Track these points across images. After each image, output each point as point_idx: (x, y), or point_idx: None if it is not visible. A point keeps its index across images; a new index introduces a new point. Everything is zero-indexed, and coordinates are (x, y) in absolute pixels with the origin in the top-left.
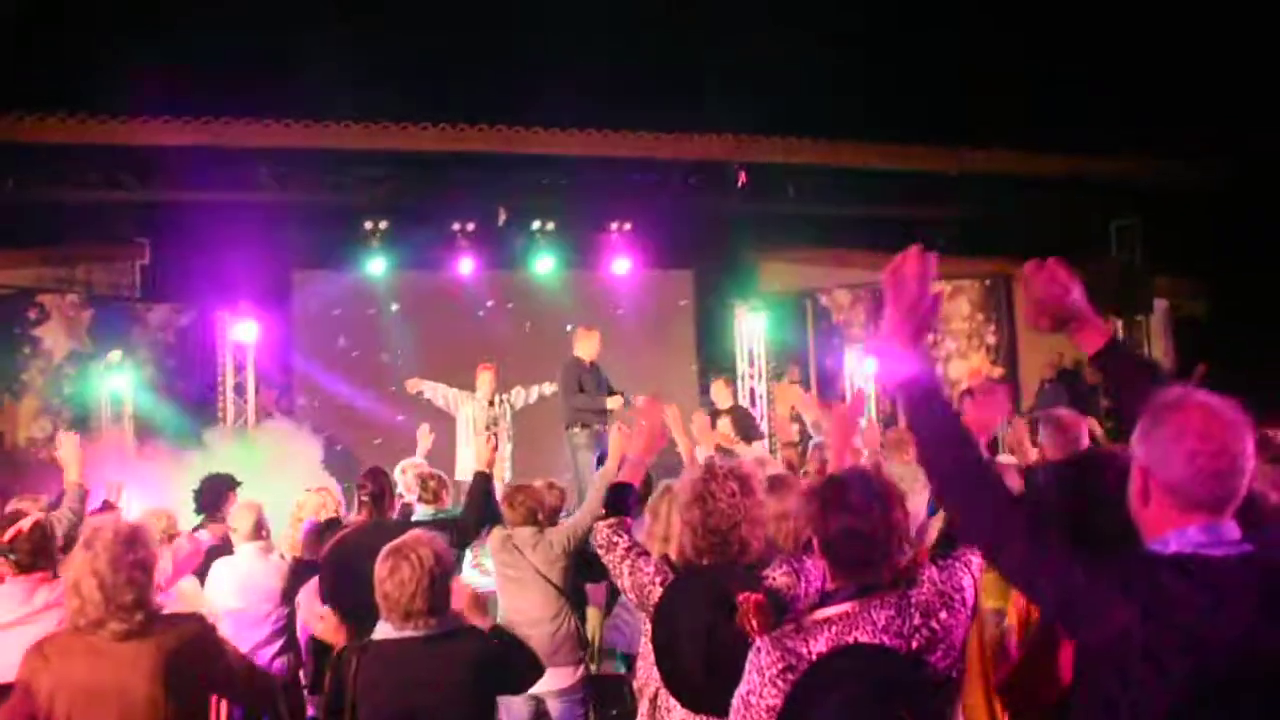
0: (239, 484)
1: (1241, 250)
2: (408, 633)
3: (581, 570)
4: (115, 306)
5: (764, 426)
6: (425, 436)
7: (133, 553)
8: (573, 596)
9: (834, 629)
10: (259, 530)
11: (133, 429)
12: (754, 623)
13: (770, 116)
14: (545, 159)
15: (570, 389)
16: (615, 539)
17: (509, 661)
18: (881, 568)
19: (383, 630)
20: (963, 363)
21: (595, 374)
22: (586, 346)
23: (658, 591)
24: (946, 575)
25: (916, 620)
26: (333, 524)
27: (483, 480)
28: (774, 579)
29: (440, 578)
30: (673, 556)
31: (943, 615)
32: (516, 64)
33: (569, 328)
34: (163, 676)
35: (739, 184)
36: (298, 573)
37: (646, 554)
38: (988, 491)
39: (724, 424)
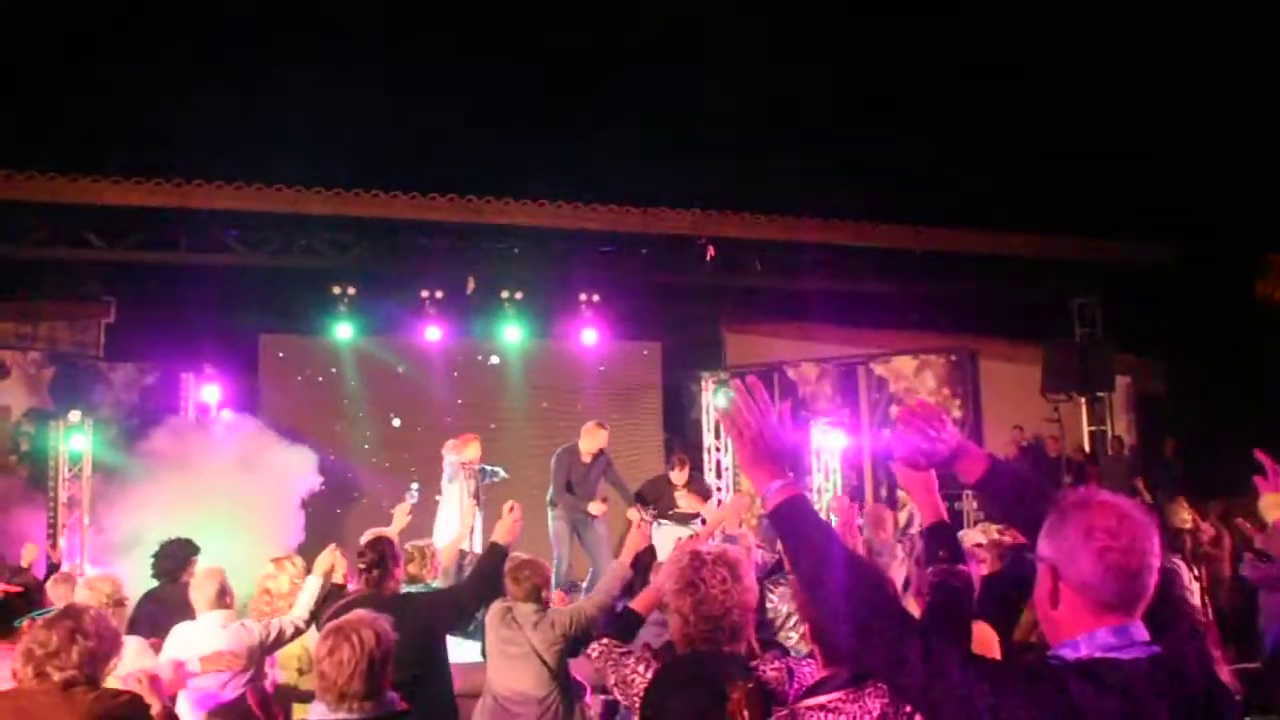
0: (198, 550)
1: (1196, 329)
2: (341, 715)
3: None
4: (78, 365)
5: (728, 499)
6: (403, 515)
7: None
8: (563, 679)
9: (828, 716)
10: (222, 598)
11: (90, 489)
12: (745, 714)
13: (737, 192)
14: (514, 229)
15: (559, 484)
16: (603, 652)
17: None
18: None
19: (317, 712)
20: None
21: (589, 469)
22: (590, 442)
23: (642, 680)
24: None
25: (909, 708)
26: (335, 591)
27: (499, 554)
28: (764, 671)
29: (380, 660)
30: None
31: None
32: (487, 136)
33: (544, 405)
34: None
35: (706, 258)
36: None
37: (629, 652)
38: (881, 611)
39: (681, 496)
